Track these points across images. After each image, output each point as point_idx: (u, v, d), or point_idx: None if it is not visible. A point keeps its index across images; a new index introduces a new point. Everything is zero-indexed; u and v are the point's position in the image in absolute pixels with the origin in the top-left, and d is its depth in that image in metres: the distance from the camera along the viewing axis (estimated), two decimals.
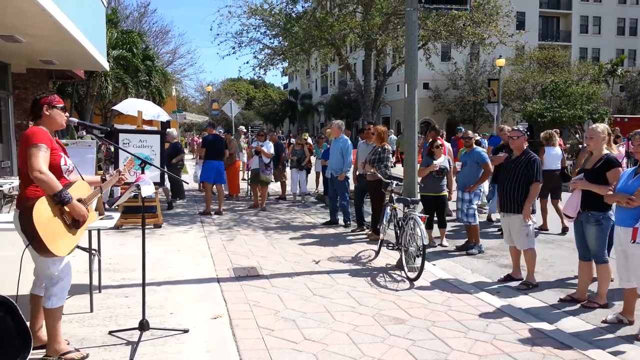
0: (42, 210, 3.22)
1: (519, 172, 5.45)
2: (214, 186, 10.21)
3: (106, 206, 4.47)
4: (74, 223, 3.41)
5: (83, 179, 3.61)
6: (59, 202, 3.28)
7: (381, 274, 5.86)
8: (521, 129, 5.76)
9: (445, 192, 7.35)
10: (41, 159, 3.22)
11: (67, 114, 3.57)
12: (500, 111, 24.66)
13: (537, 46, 38.78)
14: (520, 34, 15.18)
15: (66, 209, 3.33)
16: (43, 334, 3.61)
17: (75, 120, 3.79)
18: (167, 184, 10.89)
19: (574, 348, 3.90)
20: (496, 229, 8.48)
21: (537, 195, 5.47)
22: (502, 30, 13.75)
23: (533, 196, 5.42)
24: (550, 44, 39.68)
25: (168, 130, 12.21)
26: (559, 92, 30.50)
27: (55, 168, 3.36)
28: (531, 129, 25.02)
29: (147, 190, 3.79)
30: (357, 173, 8.42)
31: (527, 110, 30.74)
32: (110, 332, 3.98)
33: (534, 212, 5.53)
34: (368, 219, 8.36)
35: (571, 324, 4.48)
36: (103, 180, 3.85)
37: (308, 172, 12.70)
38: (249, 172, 11.55)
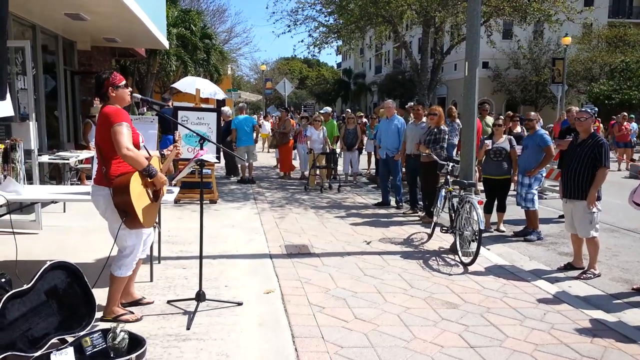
0: (135, 187, 3.43)
1: (585, 156, 5.16)
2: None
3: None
4: (154, 196, 3.64)
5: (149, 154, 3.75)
6: (147, 175, 3.50)
7: (434, 257, 5.78)
8: (589, 110, 5.43)
9: (508, 176, 7.10)
10: (126, 136, 3.39)
11: (129, 89, 3.68)
12: (564, 92, 23.51)
13: (607, 23, 36.43)
14: (589, 11, 14.33)
15: (150, 181, 3.57)
16: (133, 290, 4.04)
17: (139, 96, 3.89)
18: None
19: (639, 342, 3.71)
20: (557, 216, 8.16)
21: (603, 181, 5.17)
22: (570, 6, 13.02)
23: (599, 182, 5.12)
24: (621, 21, 37.02)
25: (222, 108, 12.46)
26: (629, 73, 28.74)
27: (135, 145, 3.52)
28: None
29: (208, 157, 4.03)
30: (406, 153, 8.26)
31: (593, 91, 29.19)
32: (168, 302, 4.13)
33: (599, 198, 5.24)
34: (419, 201, 8.23)
35: (636, 317, 4.26)
36: (162, 155, 3.98)
37: (360, 152, 12.63)
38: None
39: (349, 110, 14.83)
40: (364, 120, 14.57)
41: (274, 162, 15.06)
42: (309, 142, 11.31)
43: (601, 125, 15.88)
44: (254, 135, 11.88)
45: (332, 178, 11.71)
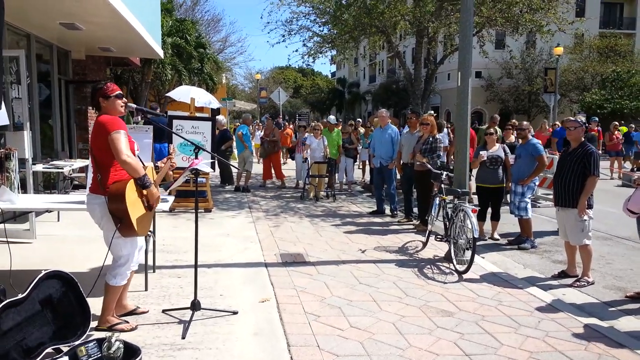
0: (130, 194, 3.43)
1: (576, 164, 5.22)
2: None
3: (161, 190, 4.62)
4: (149, 205, 3.64)
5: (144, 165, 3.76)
6: (141, 185, 3.50)
7: (428, 266, 5.79)
8: (579, 120, 5.51)
9: (502, 184, 7.14)
10: (124, 143, 3.40)
11: (123, 100, 3.69)
12: (557, 102, 23.73)
13: (598, 34, 36.88)
14: (581, 22, 14.52)
15: (144, 192, 3.56)
16: (126, 302, 4.01)
17: (134, 105, 3.90)
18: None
19: (632, 349, 3.73)
20: (550, 224, 8.21)
21: (593, 189, 5.23)
22: (562, 17, 13.18)
23: (589, 190, 5.18)
24: (612, 31, 37.51)
25: (217, 117, 12.47)
26: (620, 83, 29.11)
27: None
28: (588, 120, 24.03)
29: (203, 167, 4.01)
30: (402, 162, 8.31)
31: (585, 101, 29.51)
32: (163, 311, 4.12)
33: (590, 206, 5.29)
34: (414, 209, 8.26)
35: (629, 324, 4.29)
36: (156, 167, 4.00)
37: (355, 161, 12.66)
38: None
39: (353, 121, 15.06)
40: (362, 130, 14.59)
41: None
42: (308, 150, 11.22)
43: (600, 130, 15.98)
44: (249, 143, 11.82)
45: (328, 187, 11.68)
